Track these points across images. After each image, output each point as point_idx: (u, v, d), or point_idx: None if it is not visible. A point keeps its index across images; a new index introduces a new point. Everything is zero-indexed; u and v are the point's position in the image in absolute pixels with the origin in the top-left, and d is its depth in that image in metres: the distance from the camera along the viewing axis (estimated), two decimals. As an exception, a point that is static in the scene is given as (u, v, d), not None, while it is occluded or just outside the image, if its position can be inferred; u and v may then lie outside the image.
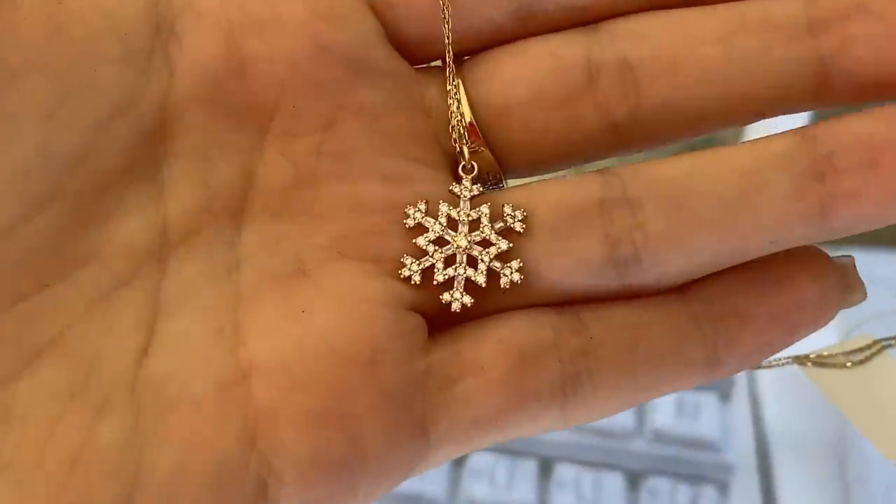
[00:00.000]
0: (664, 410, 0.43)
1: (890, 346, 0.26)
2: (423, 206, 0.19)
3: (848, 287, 0.20)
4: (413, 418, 0.18)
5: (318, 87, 0.19)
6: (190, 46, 0.18)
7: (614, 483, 0.42)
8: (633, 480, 0.43)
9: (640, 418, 0.43)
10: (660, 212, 0.18)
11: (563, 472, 0.42)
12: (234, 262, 0.18)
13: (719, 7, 0.19)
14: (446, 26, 0.19)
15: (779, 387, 0.46)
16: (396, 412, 0.18)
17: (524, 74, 0.19)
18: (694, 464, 0.43)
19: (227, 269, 0.18)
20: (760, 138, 0.19)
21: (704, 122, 0.19)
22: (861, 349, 0.26)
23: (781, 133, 0.18)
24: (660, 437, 0.43)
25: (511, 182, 0.20)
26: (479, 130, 0.19)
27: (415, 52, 0.20)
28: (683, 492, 0.42)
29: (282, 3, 0.19)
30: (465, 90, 0.19)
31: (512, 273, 0.18)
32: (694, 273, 0.19)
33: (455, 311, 0.19)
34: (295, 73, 0.19)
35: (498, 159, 0.20)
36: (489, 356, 0.18)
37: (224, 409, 0.17)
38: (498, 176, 0.20)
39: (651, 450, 0.43)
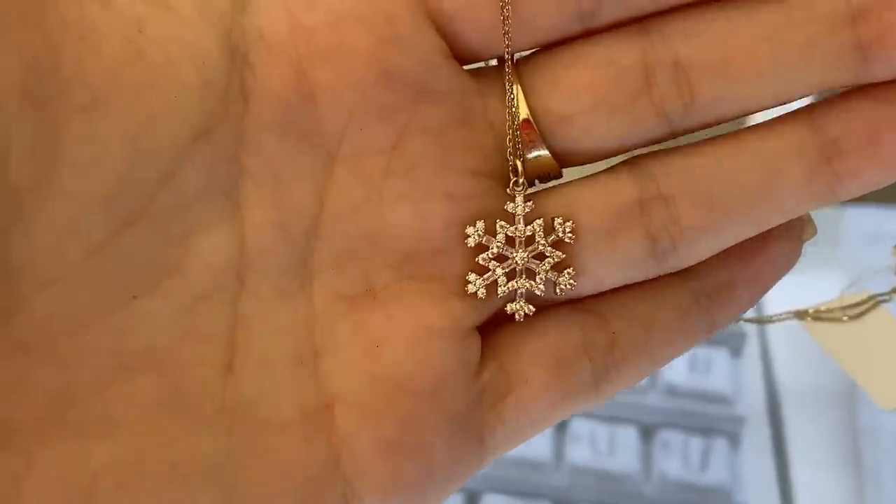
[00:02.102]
0: (677, 366, 0.44)
1: (885, 300, 0.27)
2: (481, 226, 0.20)
3: (804, 229, 0.22)
4: (472, 434, 0.20)
5: (385, 109, 0.19)
6: (262, 76, 0.19)
7: (629, 435, 0.43)
8: (647, 433, 0.44)
9: (654, 373, 0.44)
10: (692, 207, 0.20)
11: (579, 425, 0.43)
12: (308, 279, 0.19)
13: (767, 2, 0.19)
14: (506, 38, 0.20)
15: (788, 340, 0.47)
16: (459, 432, 0.20)
17: (585, 84, 0.20)
18: (706, 417, 0.44)
19: (301, 286, 0.19)
20: (771, 122, 0.20)
21: (751, 109, 0.20)
22: (857, 304, 0.27)
23: (790, 118, 0.20)
24: (673, 391, 0.44)
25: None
26: (538, 132, 0.20)
27: (475, 58, 0.21)
28: (696, 444, 0.43)
29: (347, 30, 0.19)
30: (526, 99, 0.20)
31: (567, 281, 0.20)
32: (717, 251, 0.21)
33: (519, 321, 0.21)
34: (362, 98, 0.19)
35: (558, 160, 0.21)
36: (531, 368, 0.20)
37: (309, 434, 0.19)
38: (557, 173, 0.21)
39: (664, 403, 0.44)
